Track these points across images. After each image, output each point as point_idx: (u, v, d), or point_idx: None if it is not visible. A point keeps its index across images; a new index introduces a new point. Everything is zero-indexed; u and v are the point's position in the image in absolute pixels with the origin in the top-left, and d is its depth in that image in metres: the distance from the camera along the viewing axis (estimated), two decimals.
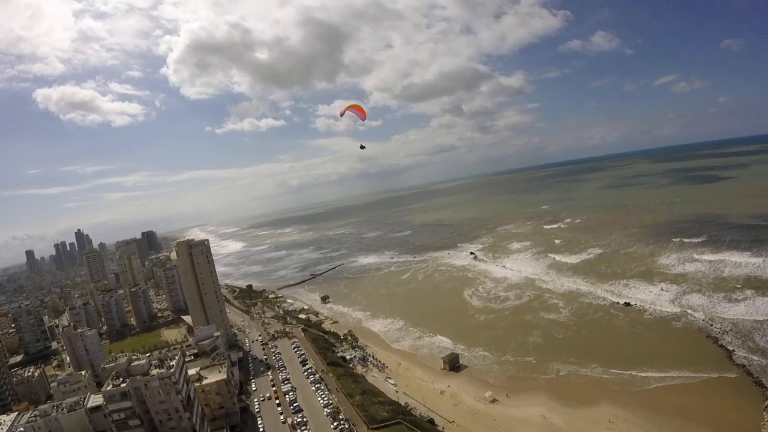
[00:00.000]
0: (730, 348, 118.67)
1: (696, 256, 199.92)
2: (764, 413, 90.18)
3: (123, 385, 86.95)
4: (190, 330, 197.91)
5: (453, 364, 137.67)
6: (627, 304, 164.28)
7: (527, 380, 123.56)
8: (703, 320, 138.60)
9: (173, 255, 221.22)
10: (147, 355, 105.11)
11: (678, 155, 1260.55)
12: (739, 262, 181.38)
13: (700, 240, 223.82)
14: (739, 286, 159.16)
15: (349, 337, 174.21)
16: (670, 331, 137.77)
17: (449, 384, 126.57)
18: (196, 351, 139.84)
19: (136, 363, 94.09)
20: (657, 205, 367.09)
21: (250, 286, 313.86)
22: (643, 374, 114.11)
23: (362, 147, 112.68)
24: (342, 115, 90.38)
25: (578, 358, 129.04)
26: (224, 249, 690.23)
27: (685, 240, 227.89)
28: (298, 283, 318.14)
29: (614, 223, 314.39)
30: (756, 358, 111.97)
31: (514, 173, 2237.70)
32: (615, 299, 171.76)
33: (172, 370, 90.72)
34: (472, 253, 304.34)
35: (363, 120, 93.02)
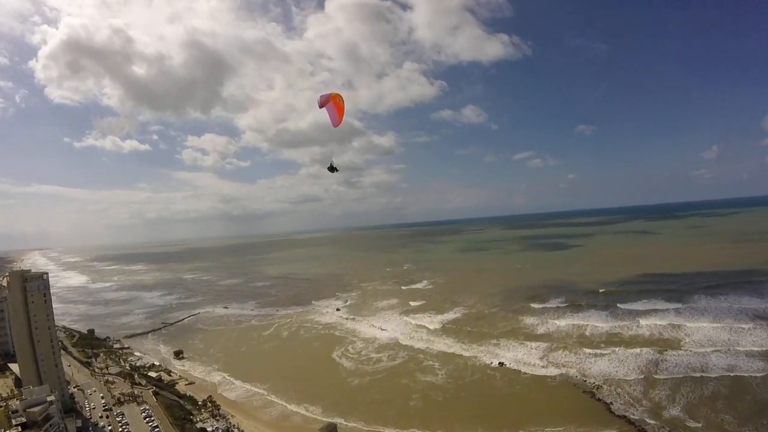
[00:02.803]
0: (608, 401, 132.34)
1: (556, 319, 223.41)
2: None
3: None
4: (17, 382, 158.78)
5: None
6: (501, 364, 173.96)
7: None
8: (576, 376, 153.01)
9: (4, 282, 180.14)
10: None
11: (528, 223, 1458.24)
12: (597, 325, 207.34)
13: (557, 304, 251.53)
14: (602, 343, 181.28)
15: (209, 404, 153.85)
16: (548, 388, 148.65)
17: None
18: (24, 420, 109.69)
19: None
20: (511, 270, 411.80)
21: (91, 332, 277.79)
22: None
23: (334, 169, 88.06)
24: (322, 106, 75.21)
25: (463, 424, 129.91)
26: (64, 281, 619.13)
27: (543, 304, 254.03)
28: (146, 333, 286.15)
29: (474, 285, 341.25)
30: (633, 409, 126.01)
31: (375, 230, 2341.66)
32: (489, 359, 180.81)
33: None
34: (338, 309, 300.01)
35: (336, 126, 77.33)
